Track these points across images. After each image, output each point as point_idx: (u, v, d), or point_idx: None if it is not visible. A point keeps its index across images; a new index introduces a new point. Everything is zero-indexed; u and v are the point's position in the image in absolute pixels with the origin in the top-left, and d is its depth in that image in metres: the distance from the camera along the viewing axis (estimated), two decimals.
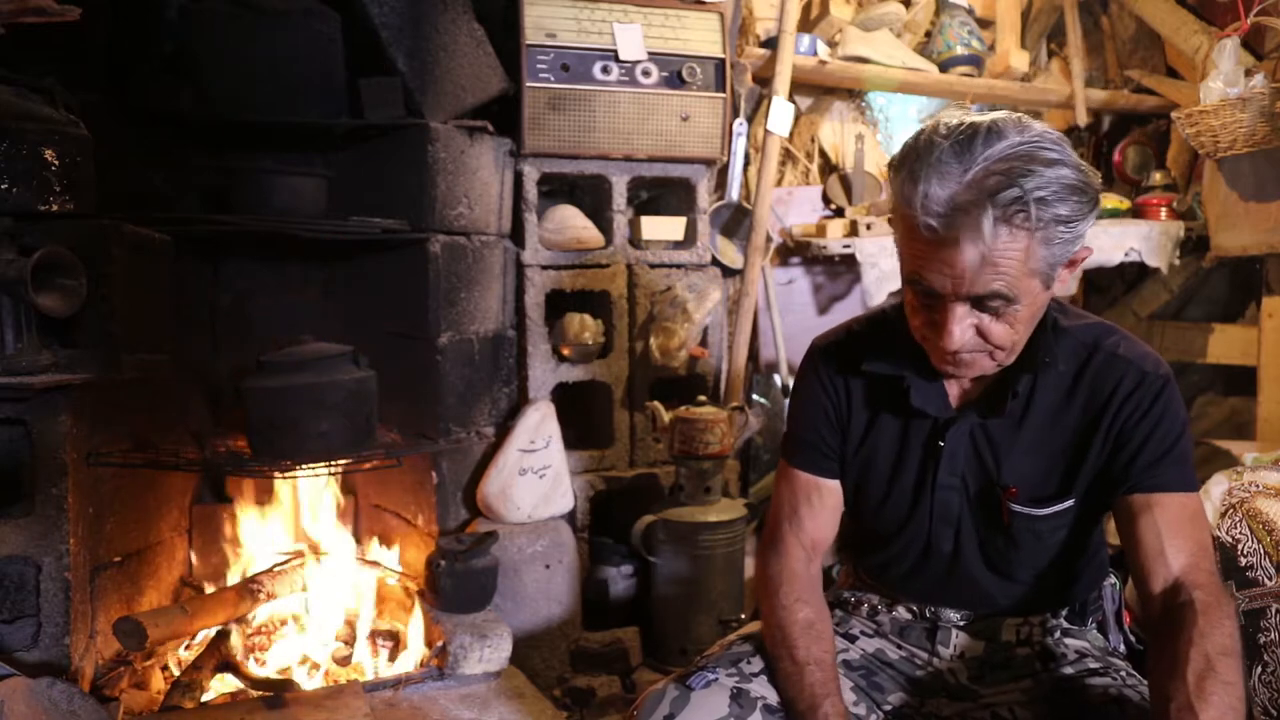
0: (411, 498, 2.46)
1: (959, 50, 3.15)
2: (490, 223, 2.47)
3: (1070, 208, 1.03)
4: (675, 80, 2.60)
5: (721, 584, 2.42)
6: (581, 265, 2.61)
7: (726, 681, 1.20)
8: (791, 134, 3.05)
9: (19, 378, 1.60)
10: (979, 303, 1.08)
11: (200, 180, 2.25)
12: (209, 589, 2.27)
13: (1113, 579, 1.37)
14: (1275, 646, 1.75)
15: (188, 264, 2.18)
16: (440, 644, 2.06)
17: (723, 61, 2.65)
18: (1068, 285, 1.16)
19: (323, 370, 2.02)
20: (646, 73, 2.56)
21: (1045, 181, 1.01)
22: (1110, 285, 3.61)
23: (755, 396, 3.09)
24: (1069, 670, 1.26)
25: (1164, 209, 3.17)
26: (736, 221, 3.00)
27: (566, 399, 2.59)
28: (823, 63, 2.95)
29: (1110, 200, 3.21)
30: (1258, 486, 1.88)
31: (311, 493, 2.44)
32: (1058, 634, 1.30)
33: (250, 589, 2.13)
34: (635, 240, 2.70)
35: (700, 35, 2.64)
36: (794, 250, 3.12)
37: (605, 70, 2.53)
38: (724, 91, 2.65)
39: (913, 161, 1.05)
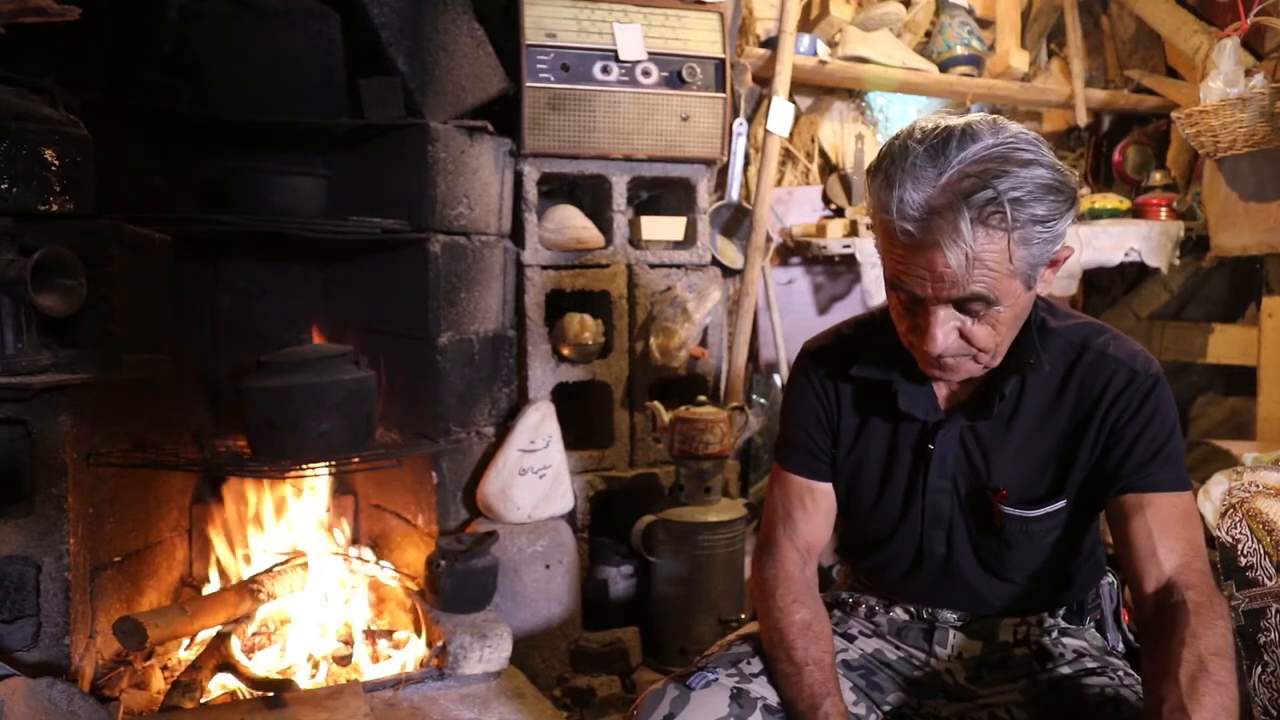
0: (411, 498, 2.47)
1: (959, 50, 3.15)
2: (490, 223, 2.47)
3: (1047, 207, 1.03)
4: (675, 80, 2.60)
5: (721, 584, 2.42)
6: (581, 265, 2.61)
7: (726, 681, 1.19)
8: (791, 134, 3.05)
9: (19, 378, 1.60)
10: (961, 306, 1.08)
11: (200, 180, 2.25)
12: (209, 589, 2.28)
13: (1110, 578, 1.37)
14: (1275, 646, 1.75)
15: (188, 264, 2.18)
16: (440, 644, 2.06)
17: (723, 61, 2.65)
18: (1052, 285, 1.15)
19: (323, 370, 2.02)
20: (646, 73, 2.57)
21: (1020, 182, 1.01)
22: (1110, 285, 3.61)
23: (755, 396, 3.09)
24: (1066, 670, 1.26)
25: (1164, 209, 3.17)
26: (736, 221, 3.00)
27: (566, 399, 2.59)
28: (823, 63, 2.95)
29: (1110, 200, 3.21)
30: (1258, 486, 1.88)
31: (312, 493, 2.44)
32: (1055, 634, 1.30)
33: (250, 589, 2.13)
34: (635, 240, 2.70)
35: (700, 35, 2.64)
36: (794, 250, 3.12)
37: (605, 70, 2.53)
38: (724, 91, 2.65)
39: (888, 166, 1.06)
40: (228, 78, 2.16)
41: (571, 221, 2.59)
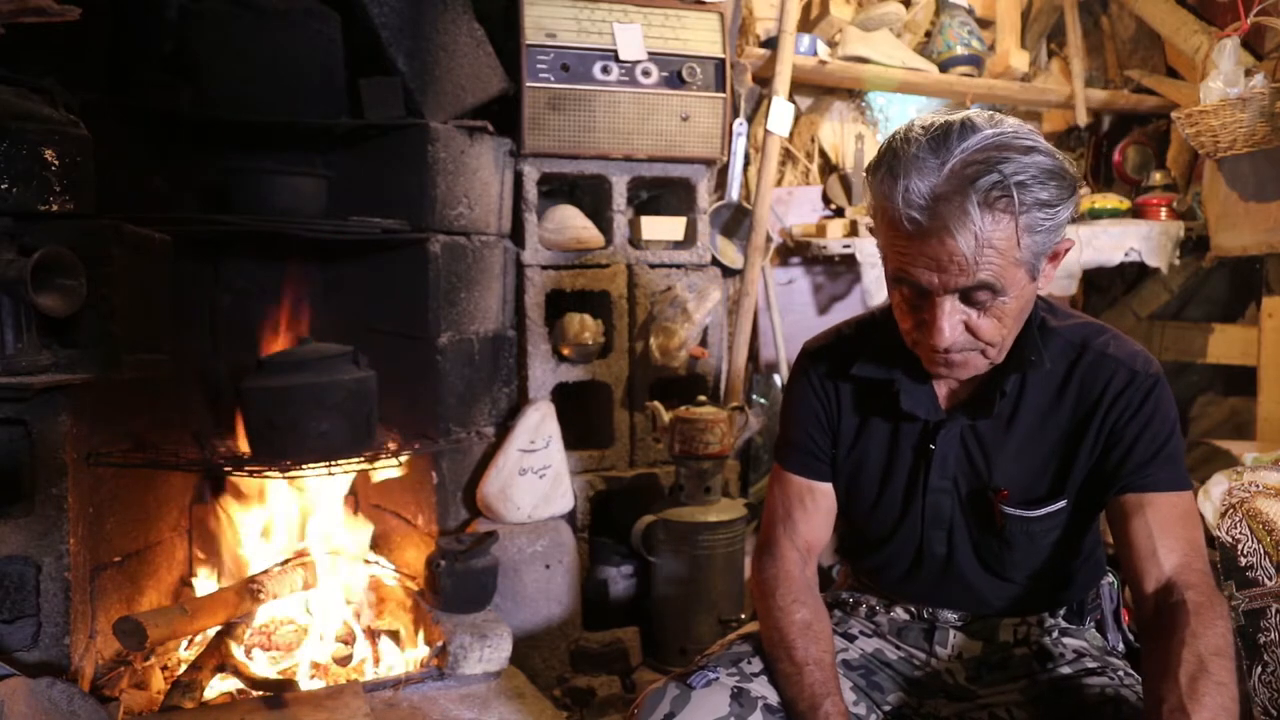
0: (411, 498, 2.46)
1: (959, 50, 3.15)
2: (490, 223, 2.47)
3: (1050, 192, 1.04)
4: (675, 80, 2.60)
5: (721, 584, 2.42)
6: (581, 265, 2.61)
7: (727, 681, 1.19)
8: (791, 134, 3.05)
9: (19, 378, 1.60)
10: (967, 297, 1.08)
11: (200, 180, 2.25)
12: (207, 588, 2.28)
13: (1111, 578, 1.37)
14: (1275, 646, 1.75)
15: (188, 264, 2.18)
16: (440, 644, 2.06)
17: (723, 61, 2.65)
18: (1051, 283, 1.16)
19: (323, 370, 2.02)
20: (646, 73, 2.57)
21: (1023, 166, 1.02)
22: (1110, 285, 3.61)
23: (755, 396, 3.09)
24: (1066, 670, 1.26)
25: (1164, 209, 3.17)
26: (736, 221, 3.00)
27: (566, 399, 2.59)
28: (823, 63, 2.95)
29: (1110, 200, 3.21)
30: (1258, 486, 1.88)
31: (312, 492, 2.44)
32: (1055, 634, 1.30)
33: (250, 589, 2.13)
34: (635, 240, 2.70)
35: (700, 35, 2.64)
36: (794, 250, 3.12)
37: (605, 70, 2.53)
38: (724, 91, 2.65)
39: (890, 160, 1.07)
40: (228, 78, 2.16)
41: (571, 221, 2.59)
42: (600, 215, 2.68)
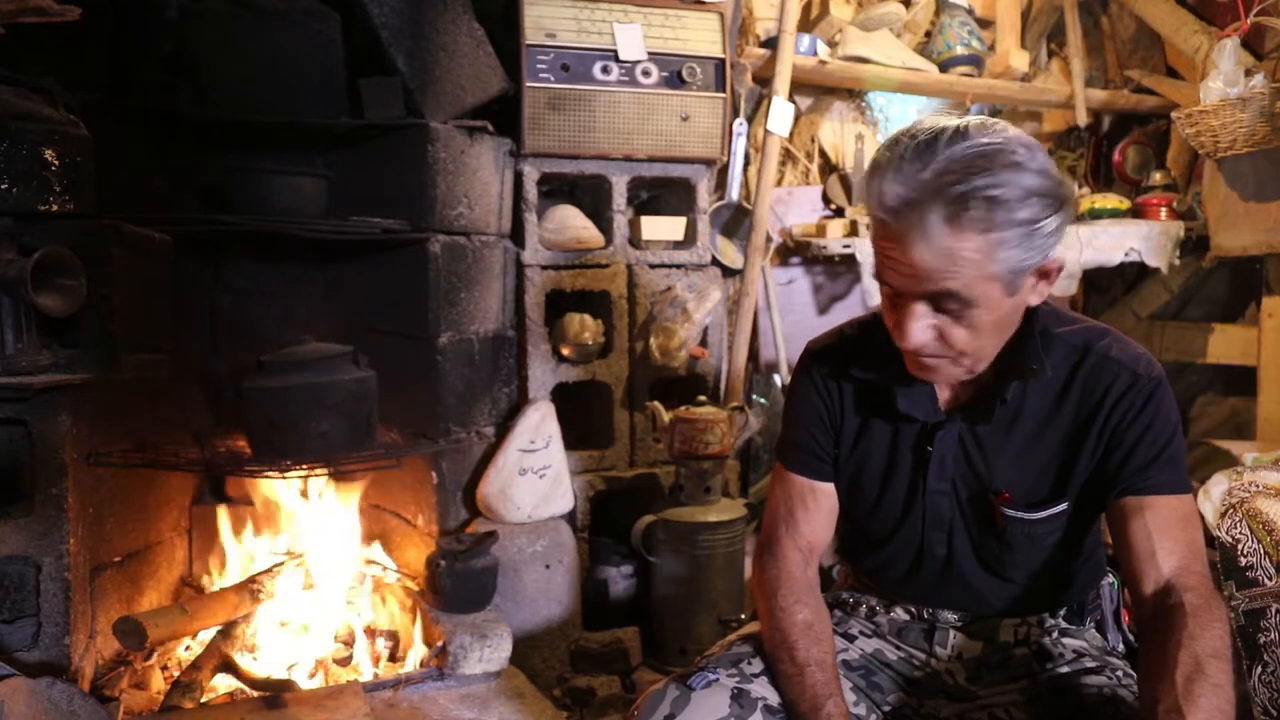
0: (411, 498, 2.46)
1: (959, 50, 3.15)
2: (490, 223, 2.47)
3: (1029, 212, 1.03)
4: (675, 80, 2.60)
5: (721, 584, 2.42)
6: (581, 265, 2.61)
7: (727, 682, 1.19)
8: (791, 134, 3.05)
9: (19, 378, 1.60)
10: (937, 304, 1.09)
11: (200, 180, 2.25)
12: (208, 588, 2.28)
13: (1111, 578, 1.37)
14: (1275, 646, 1.75)
15: (188, 264, 2.18)
16: (440, 644, 2.06)
17: (723, 61, 2.65)
18: (1045, 296, 1.15)
19: (323, 370, 2.02)
20: (646, 73, 2.57)
21: (1000, 181, 1.02)
22: (1110, 285, 3.61)
23: (755, 396, 3.09)
24: (1065, 670, 1.27)
25: (1164, 209, 3.17)
26: (736, 221, 3.00)
27: (566, 399, 2.59)
28: (823, 63, 2.95)
29: (1110, 200, 3.21)
30: (1258, 486, 1.88)
31: (312, 493, 2.44)
32: (1055, 634, 1.30)
33: (250, 589, 2.13)
34: (635, 240, 2.70)
35: (700, 35, 2.64)
36: (794, 250, 3.12)
37: (605, 70, 2.53)
38: (724, 91, 2.65)
39: (879, 159, 1.09)
40: (228, 78, 2.16)
41: (571, 221, 2.59)
42: (600, 215, 2.68)
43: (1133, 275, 3.49)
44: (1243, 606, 1.79)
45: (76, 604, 1.73)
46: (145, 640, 1.82)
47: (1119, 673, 1.25)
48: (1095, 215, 3.19)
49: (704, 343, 2.78)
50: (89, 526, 1.83)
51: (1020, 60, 3.31)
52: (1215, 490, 1.91)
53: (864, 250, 2.85)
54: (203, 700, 1.90)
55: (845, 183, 3.19)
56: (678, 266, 2.75)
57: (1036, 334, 1.19)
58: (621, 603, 2.58)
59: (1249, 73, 2.55)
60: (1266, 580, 1.79)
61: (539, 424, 2.44)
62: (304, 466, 2.05)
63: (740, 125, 2.89)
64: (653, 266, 2.70)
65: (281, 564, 2.25)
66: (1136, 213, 3.20)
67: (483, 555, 2.16)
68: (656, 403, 2.52)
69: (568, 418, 2.53)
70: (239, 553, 2.38)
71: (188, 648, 2.16)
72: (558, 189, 2.79)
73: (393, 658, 2.21)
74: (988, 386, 1.22)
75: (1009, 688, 1.27)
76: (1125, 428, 1.16)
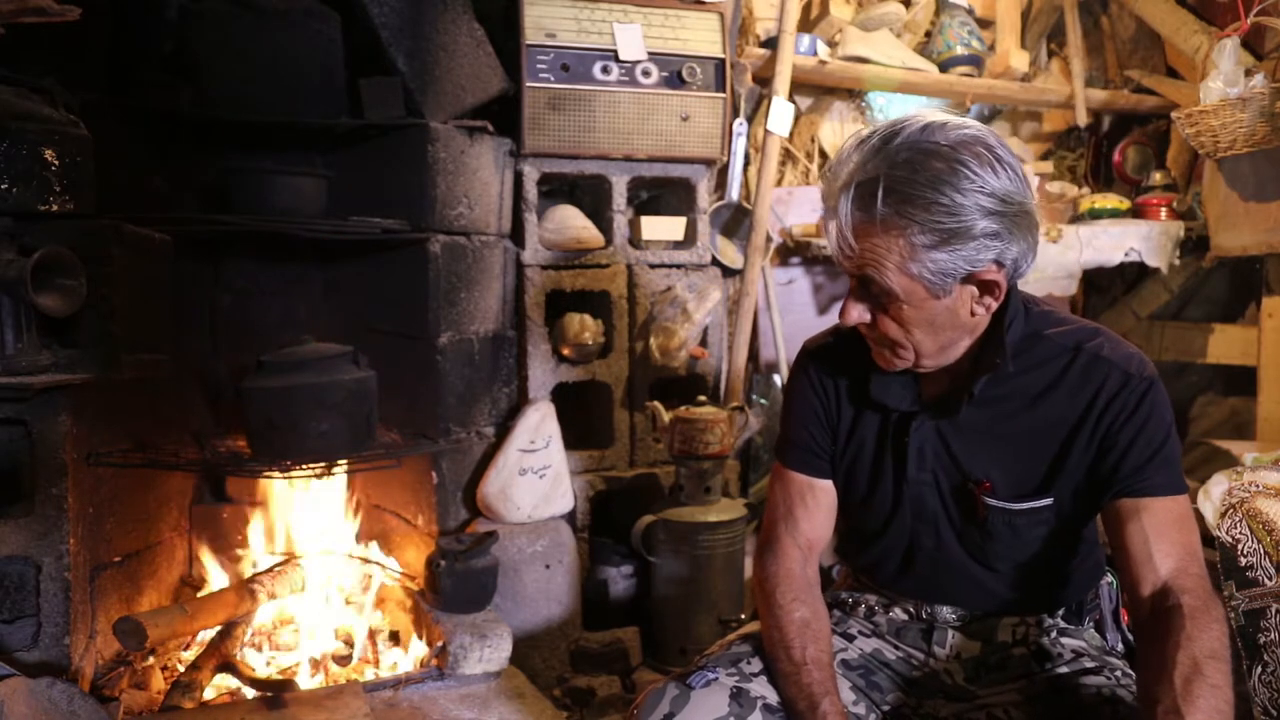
0: (411, 498, 2.47)
1: (959, 50, 3.15)
2: (490, 223, 2.47)
3: (953, 220, 1.05)
4: (675, 80, 2.60)
5: (721, 584, 2.42)
6: (581, 265, 2.61)
7: (726, 681, 1.20)
8: (791, 134, 3.05)
9: (19, 378, 1.60)
10: (865, 289, 1.15)
11: (200, 180, 2.25)
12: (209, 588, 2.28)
13: (1110, 578, 1.37)
14: (1275, 646, 1.75)
15: (188, 264, 2.18)
16: (440, 644, 2.06)
17: (723, 61, 2.65)
18: (989, 313, 1.17)
19: (323, 370, 2.02)
20: (646, 73, 2.57)
21: (920, 180, 1.05)
22: (1110, 285, 3.61)
23: (755, 396, 3.09)
24: (1064, 670, 1.27)
25: (1164, 209, 3.17)
26: (736, 221, 3.00)
27: (566, 399, 2.59)
28: (823, 63, 2.95)
29: (1110, 200, 3.21)
30: (1258, 486, 1.88)
31: (313, 492, 2.44)
32: (1054, 634, 1.30)
33: (250, 589, 2.13)
34: (635, 240, 2.70)
35: (700, 35, 2.64)
36: (794, 250, 3.12)
37: (605, 70, 2.53)
38: (724, 91, 2.65)
39: (846, 141, 1.15)
40: (228, 78, 2.16)
41: (571, 221, 2.59)
42: (600, 215, 2.68)
43: (1133, 275, 3.49)
44: (1243, 606, 1.79)
45: (76, 604, 1.73)
46: (145, 640, 1.82)
47: (1118, 673, 1.25)
48: (1095, 215, 3.19)
49: (704, 343, 2.78)
50: (89, 526, 1.83)
51: (1020, 60, 3.31)
52: (1215, 490, 1.91)
53: None
54: (203, 700, 1.90)
55: None
56: (678, 266, 2.75)
57: (1004, 330, 1.19)
58: (621, 603, 2.58)
59: (1249, 73, 2.55)
60: (1266, 580, 1.79)
61: (539, 424, 2.44)
62: (304, 466, 2.05)
63: (740, 125, 2.89)
64: (653, 266, 2.70)
65: (282, 564, 2.25)
66: (1136, 213, 3.21)
67: (483, 555, 2.16)
68: (656, 403, 2.52)
69: (568, 418, 2.53)
70: (239, 552, 2.38)
71: (187, 648, 2.16)
72: (558, 189, 2.79)
73: (393, 658, 2.21)
74: (963, 382, 1.23)
75: (1008, 687, 1.27)
76: (1118, 429, 1.16)
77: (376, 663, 2.17)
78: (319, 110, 2.22)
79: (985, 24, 3.35)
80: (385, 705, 1.93)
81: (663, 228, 2.71)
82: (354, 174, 2.37)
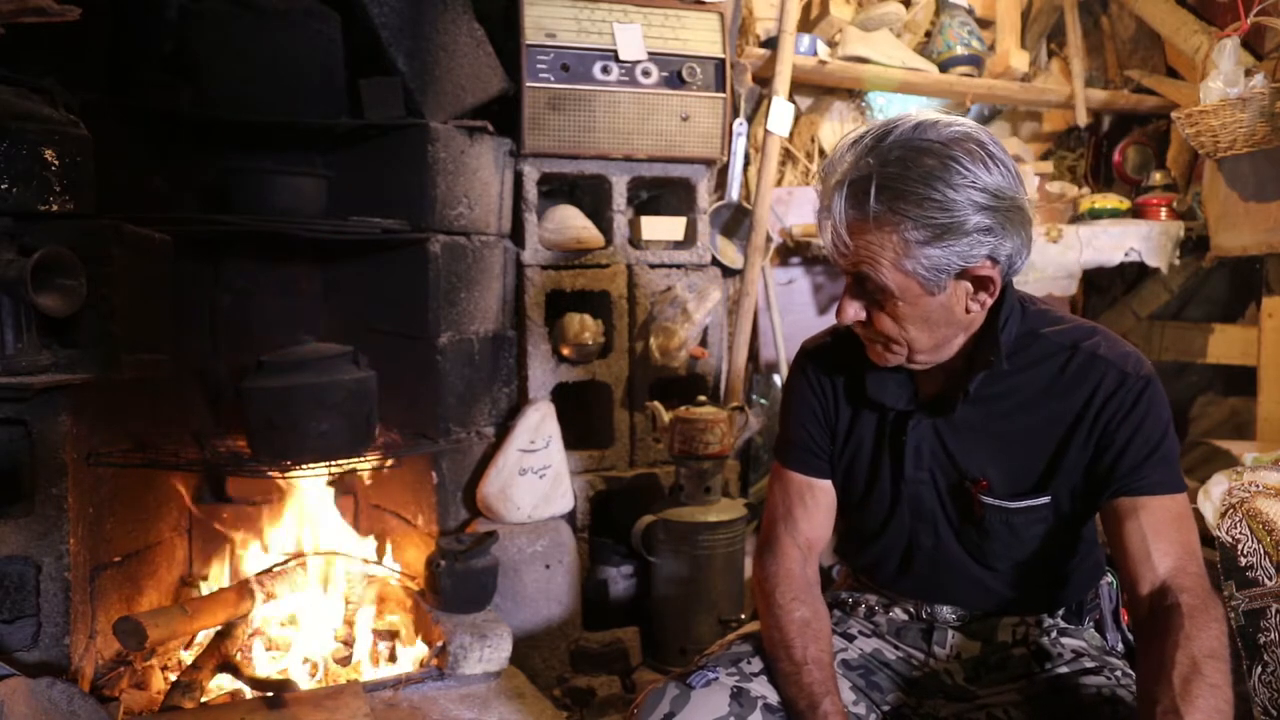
0: (411, 498, 2.47)
1: (959, 50, 3.15)
2: (490, 223, 2.47)
3: (945, 215, 1.06)
4: (675, 80, 2.60)
5: (721, 584, 2.42)
6: (581, 265, 2.61)
7: (727, 681, 1.20)
8: (791, 134, 3.05)
9: (19, 378, 1.60)
10: (860, 285, 1.15)
11: (200, 180, 2.25)
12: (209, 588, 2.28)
13: (1110, 577, 1.37)
14: (1275, 646, 1.75)
15: (188, 264, 2.18)
16: (440, 644, 2.06)
17: (723, 61, 2.65)
18: (984, 309, 1.17)
19: (323, 370, 2.02)
20: (646, 73, 2.57)
21: (911, 177, 1.06)
22: (1110, 285, 3.61)
23: (755, 396, 3.09)
24: (1064, 670, 1.27)
25: (1164, 209, 3.17)
26: (736, 221, 3.00)
27: (566, 399, 2.59)
28: (823, 63, 2.95)
29: (1110, 200, 3.21)
30: (1258, 486, 1.88)
31: (312, 492, 2.44)
32: (1054, 634, 1.30)
33: (250, 589, 2.13)
34: (635, 240, 2.70)
35: (700, 35, 2.64)
36: (794, 250, 3.12)
37: (605, 70, 2.53)
38: (724, 91, 2.65)
39: (841, 139, 1.16)
40: (228, 78, 2.16)
41: (571, 221, 2.59)
42: (600, 215, 2.68)
43: (1133, 275, 3.49)
44: (1243, 606, 1.79)
45: (76, 604, 1.73)
46: (145, 640, 1.82)
47: (1118, 673, 1.25)
48: (1095, 215, 3.19)
49: (704, 343, 2.78)
50: (89, 526, 1.83)
51: (1020, 60, 3.31)
52: (1215, 490, 1.91)
53: None
54: (203, 700, 1.90)
55: None
56: (678, 266, 2.75)
57: (998, 329, 1.19)
58: (621, 603, 2.58)
59: (1249, 73, 2.55)
60: (1266, 580, 1.79)
61: (539, 424, 2.44)
62: (304, 466, 2.05)
63: (740, 125, 2.89)
64: (653, 266, 2.70)
65: (282, 564, 2.25)
66: (1136, 213, 3.21)
67: (483, 555, 2.16)
68: (656, 403, 2.52)
69: (568, 418, 2.53)
70: (239, 552, 2.38)
71: (187, 648, 2.16)
72: (558, 189, 2.79)
73: (393, 658, 2.21)
74: (958, 380, 1.23)
75: (1008, 688, 1.27)
76: (1115, 427, 1.16)
77: (376, 662, 2.17)
78: (319, 110, 2.22)
79: (985, 24, 3.35)
80: (385, 705, 1.93)
81: (663, 228, 2.71)
82: (354, 174, 2.37)
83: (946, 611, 1.32)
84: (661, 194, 2.93)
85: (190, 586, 2.35)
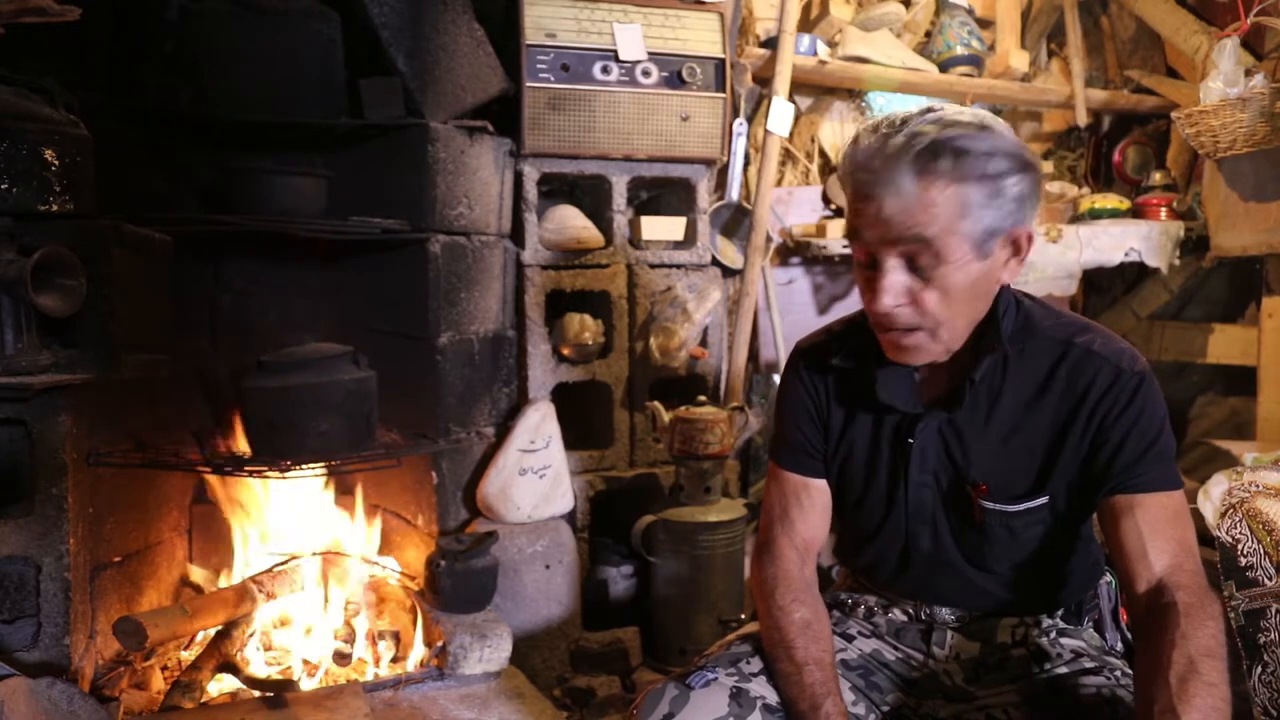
0: (411, 498, 2.47)
1: (959, 50, 3.15)
2: (490, 223, 2.47)
3: (996, 166, 1.08)
4: (675, 80, 2.60)
5: (721, 584, 2.42)
6: (581, 265, 2.61)
7: (726, 681, 1.20)
8: (791, 134, 3.05)
9: (19, 378, 1.60)
10: (909, 260, 1.11)
11: (200, 180, 2.25)
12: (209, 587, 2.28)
13: (1109, 577, 1.37)
14: (1275, 646, 1.75)
15: (188, 264, 2.18)
16: (440, 644, 2.06)
17: (723, 61, 2.65)
18: (1017, 276, 1.19)
19: (323, 370, 2.02)
20: (646, 73, 2.57)
21: (968, 137, 1.08)
22: (1110, 285, 3.61)
23: (755, 396, 3.09)
24: (1063, 670, 1.26)
25: (1164, 209, 3.17)
26: (736, 221, 3.00)
27: (566, 399, 2.59)
28: (823, 63, 2.95)
29: (1110, 200, 3.21)
30: (1258, 486, 1.88)
31: (311, 493, 2.44)
32: (1053, 634, 1.30)
33: (250, 589, 2.13)
34: (635, 240, 2.70)
35: (700, 35, 2.64)
36: (794, 250, 3.12)
37: (605, 70, 2.53)
38: (724, 91, 2.65)
39: (859, 132, 1.15)
40: (228, 78, 2.16)
41: (571, 221, 2.59)
42: (600, 215, 2.68)
43: (1133, 275, 3.49)
44: (1243, 606, 1.79)
45: (76, 604, 1.73)
46: (145, 640, 1.82)
47: (1117, 673, 1.25)
48: (1095, 215, 3.19)
49: (704, 343, 2.78)
50: (89, 526, 1.83)
51: (1020, 60, 3.31)
52: (1215, 490, 1.91)
53: None
54: (203, 700, 1.90)
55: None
56: (678, 266, 2.75)
57: (999, 316, 1.20)
58: (621, 603, 2.58)
59: (1249, 73, 2.55)
60: (1266, 580, 1.79)
61: (539, 424, 2.44)
62: (304, 466, 2.05)
63: (740, 125, 2.89)
64: (653, 266, 2.70)
65: (282, 564, 2.25)
66: (1136, 213, 3.20)
67: (483, 555, 2.16)
68: (656, 403, 2.52)
69: (568, 418, 2.53)
70: (239, 553, 2.38)
71: (187, 648, 2.16)
72: (558, 189, 2.79)
73: (393, 658, 2.21)
74: (959, 374, 1.23)
75: (1007, 688, 1.26)
76: (1111, 424, 1.15)
77: (377, 663, 2.17)
78: (319, 110, 2.22)
79: (985, 24, 3.35)
80: (385, 705, 1.93)
81: (663, 228, 2.71)
82: (354, 174, 2.37)
83: (945, 612, 1.31)
84: (661, 194, 2.93)
85: (190, 586, 2.35)
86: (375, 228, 2.20)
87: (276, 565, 2.24)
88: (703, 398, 2.49)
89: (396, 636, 2.29)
